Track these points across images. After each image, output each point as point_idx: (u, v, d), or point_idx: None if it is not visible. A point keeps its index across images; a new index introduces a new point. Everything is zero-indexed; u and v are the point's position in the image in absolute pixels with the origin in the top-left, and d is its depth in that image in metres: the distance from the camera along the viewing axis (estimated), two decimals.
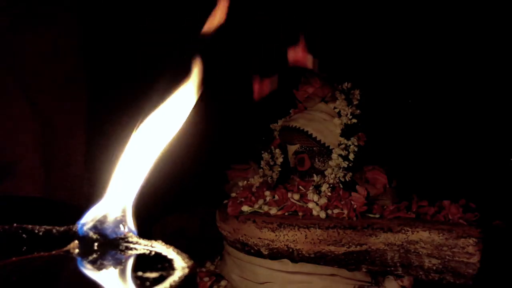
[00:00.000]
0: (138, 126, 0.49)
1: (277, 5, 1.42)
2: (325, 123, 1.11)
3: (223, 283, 1.11)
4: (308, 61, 1.11)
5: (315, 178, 1.05)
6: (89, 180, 1.13)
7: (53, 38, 1.09)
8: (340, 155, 1.06)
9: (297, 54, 1.11)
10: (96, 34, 1.19)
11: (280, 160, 1.19)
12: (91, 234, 0.44)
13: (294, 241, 0.96)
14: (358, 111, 1.10)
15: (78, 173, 1.13)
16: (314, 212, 0.98)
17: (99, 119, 1.20)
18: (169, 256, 0.39)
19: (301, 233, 0.95)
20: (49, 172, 1.08)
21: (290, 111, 1.22)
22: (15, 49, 1.04)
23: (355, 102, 1.12)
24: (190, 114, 0.52)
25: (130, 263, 0.41)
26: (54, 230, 0.45)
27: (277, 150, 1.20)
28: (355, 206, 0.96)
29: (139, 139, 0.49)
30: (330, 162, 1.08)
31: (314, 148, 1.12)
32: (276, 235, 0.97)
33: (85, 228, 0.44)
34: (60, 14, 1.10)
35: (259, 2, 1.40)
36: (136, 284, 0.37)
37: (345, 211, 0.96)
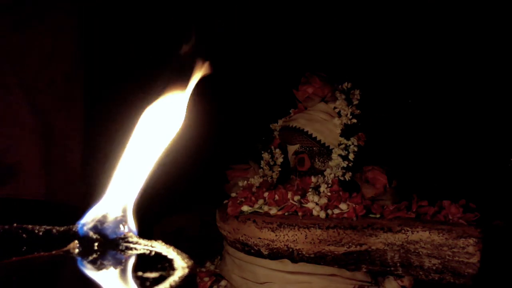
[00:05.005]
0: (137, 126, 0.49)
1: (278, 6, 1.42)
2: (325, 123, 1.12)
3: (223, 283, 1.11)
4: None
5: (313, 179, 1.06)
6: (87, 180, 1.13)
7: (52, 38, 1.09)
8: (340, 155, 1.06)
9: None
10: (95, 35, 1.19)
11: (280, 160, 1.19)
12: (91, 234, 0.44)
13: (294, 241, 0.96)
14: (358, 111, 1.10)
15: (76, 174, 1.13)
16: (314, 212, 0.98)
17: (97, 119, 1.20)
18: (169, 256, 0.39)
19: (301, 233, 0.95)
20: (48, 173, 1.08)
21: (290, 111, 1.22)
22: (17, 49, 1.04)
23: (355, 102, 1.12)
24: (190, 114, 0.52)
25: (130, 263, 0.41)
26: (54, 230, 0.45)
27: (277, 150, 1.20)
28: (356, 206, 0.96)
29: (139, 138, 0.49)
30: (330, 162, 1.08)
31: (314, 148, 1.12)
32: (276, 235, 0.97)
33: (85, 228, 0.44)
34: (59, 14, 1.10)
35: (261, 3, 1.40)
36: (136, 284, 0.37)
37: (349, 209, 0.96)
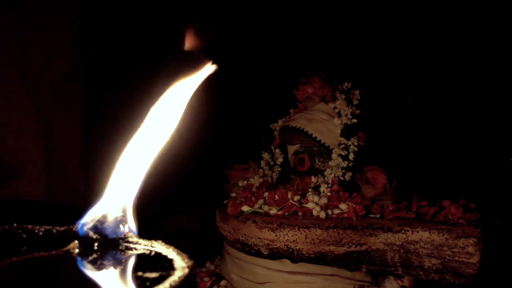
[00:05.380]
0: (137, 125, 0.49)
1: (278, 6, 1.42)
2: (325, 123, 1.12)
3: (223, 283, 1.11)
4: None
5: (313, 179, 1.06)
6: (87, 180, 1.13)
7: (53, 38, 1.09)
8: (340, 155, 1.06)
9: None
10: (95, 35, 1.19)
11: (280, 160, 1.19)
12: (91, 234, 0.44)
13: (294, 241, 0.96)
14: (358, 111, 1.10)
15: (76, 174, 1.13)
16: (314, 212, 0.98)
17: (97, 119, 1.20)
18: (169, 256, 0.39)
19: (301, 233, 0.95)
20: (49, 174, 1.08)
21: (290, 111, 1.22)
22: (20, 50, 1.05)
23: (355, 102, 1.12)
24: (190, 114, 0.52)
25: (130, 263, 0.41)
26: (54, 230, 0.45)
27: (277, 150, 1.20)
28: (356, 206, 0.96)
29: (138, 138, 0.49)
30: (330, 162, 1.08)
31: (314, 148, 1.12)
32: (276, 235, 0.97)
33: (85, 228, 0.44)
34: (60, 14, 1.11)
35: (261, 3, 1.40)
36: (136, 284, 0.37)
37: (349, 209, 0.96)
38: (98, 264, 0.41)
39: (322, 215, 0.97)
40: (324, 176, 1.06)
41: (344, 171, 1.05)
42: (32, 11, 1.05)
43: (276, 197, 1.03)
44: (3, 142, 1.03)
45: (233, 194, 1.12)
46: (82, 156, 1.14)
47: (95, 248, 0.43)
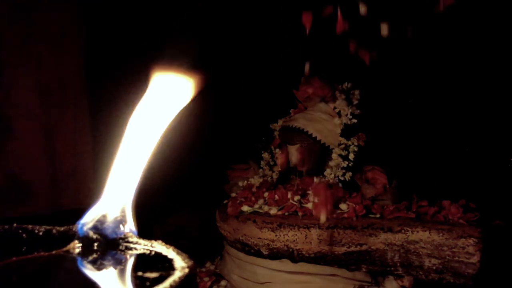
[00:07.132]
0: (135, 125, 0.49)
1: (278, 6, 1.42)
2: (325, 123, 1.12)
3: (223, 283, 1.12)
4: None
5: (314, 179, 1.06)
6: (94, 185, 1.14)
7: (58, 47, 1.09)
8: (340, 155, 1.06)
9: None
10: (96, 39, 1.19)
11: (280, 160, 1.19)
12: (91, 234, 0.44)
13: (294, 241, 0.96)
14: (358, 111, 1.10)
15: (84, 180, 1.14)
16: (314, 212, 0.98)
17: (103, 123, 1.20)
18: (169, 256, 0.39)
19: (301, 233, 0.95)
20: (57, 188, 1.09)
21: (290, 111, 1.22)
22: (32, 58, 1.05)
23: (355, 102, 1.12)
24: (190, 114, 0.52)
25: (130, 263, 0.41)
26: (54, 230, 0.44)
27: (277, 150, 1.20)
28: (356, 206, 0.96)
29: (137, 138, 0.49)
30: (330, 162, 1.08)
31: (314, 148, 1.12)
32: (276, 235, 0.97)
33: (85, 228, 0.44)
34: (61, 17, 1.11)
35: (261, 3, 1.40)
36: (136, 284, 0.37)
37: (349, 209, 0.96)
38: (98, 264, 0.41)
39: None
40: (324, 176, 1.06)
41: (344, 171, 1.05)
42: (38, 22, 1.06)
43: (276, 197, 1.03)
44: (16, 161, 1.03)
45: (233, 194, 1.12)
46: (92, 160, 1.15)
47: (95, 248, 0.43)
